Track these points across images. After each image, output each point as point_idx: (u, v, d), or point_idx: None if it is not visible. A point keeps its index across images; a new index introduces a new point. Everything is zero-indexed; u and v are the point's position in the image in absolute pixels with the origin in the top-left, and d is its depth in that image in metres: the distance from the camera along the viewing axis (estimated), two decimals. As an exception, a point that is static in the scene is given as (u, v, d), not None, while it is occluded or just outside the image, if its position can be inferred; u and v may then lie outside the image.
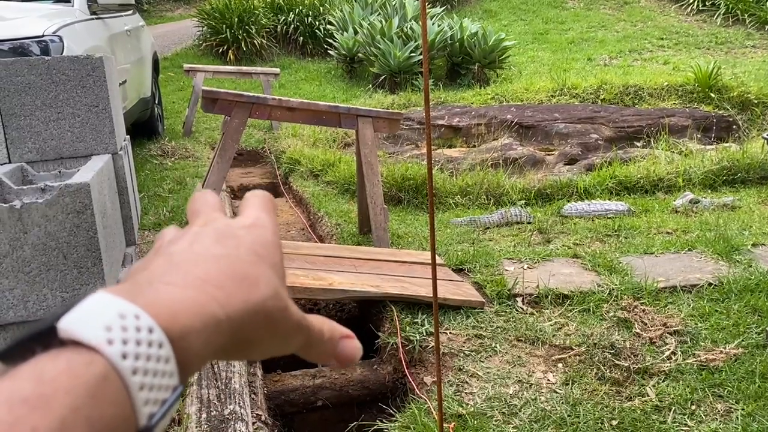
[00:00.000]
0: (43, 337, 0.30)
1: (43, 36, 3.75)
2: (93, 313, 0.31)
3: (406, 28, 9.88)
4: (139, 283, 0.35)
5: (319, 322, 0.44)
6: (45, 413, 0.27)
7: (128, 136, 2.11)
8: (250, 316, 0.36)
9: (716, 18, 12.03)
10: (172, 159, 5.95)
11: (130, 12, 6.00)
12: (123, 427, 0.30)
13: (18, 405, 0.27)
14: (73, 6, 4.53)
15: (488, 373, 2.49)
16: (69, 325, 0.30)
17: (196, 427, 1.93)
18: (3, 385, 0.27)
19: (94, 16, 4.68)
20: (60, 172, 1.68)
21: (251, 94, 3.70)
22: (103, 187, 1.54)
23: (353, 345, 0.46)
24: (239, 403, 2.06)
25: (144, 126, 6.33)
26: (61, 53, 3.75)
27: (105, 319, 0.30)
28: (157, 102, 6.83)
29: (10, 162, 1.68)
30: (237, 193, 5.73)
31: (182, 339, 0.32)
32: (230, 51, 10.96)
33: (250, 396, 2.24)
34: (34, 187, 1.46)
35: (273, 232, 0.44)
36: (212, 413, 1.99)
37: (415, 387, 2.49)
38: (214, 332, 0.34)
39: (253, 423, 2.10)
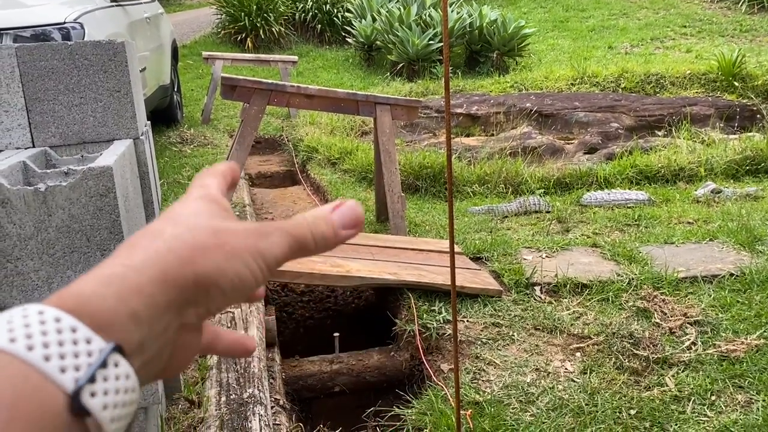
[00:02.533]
0: None
1: (64, 23, 3.78)
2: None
3: (425, 15, 9.82)
4: None
5: (295, 216, 0.42)
6: None
7: (149, 122, 2.13)
8: (164, 256, 0.36)
9: (741, 5, 11.81)
10: (191, 146, 5.98)
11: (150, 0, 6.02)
12: (46, 398, 0.30)
13: None
14: (93, -7, 4.55)
15: (505, 361, 2.49)
16: None
17: (216, 409, 1.95)
18: None
19: (114, 4, 4.71)
20: (82, 156, 1.69)
21: (270, 81, 3.71)
22: (125, 171, 1.55)
23: (349, 205, 0.43)
24: (258, 387, 2.08)
25: (163, 113, 6.36)
26: (82, 40, 3.78)
27: (5, 324, 0.32)
28: (176, 89, 6.87)
29: (33, 146, 1.70)
30: (255, 181, 5.75)
31: (83, 305, 0.33)
32: (248, 39, 10.97)
33: (268, 380, 2.26)
34: (57, 171, 1.48)
35: (196, 197, 0.42)
36: (231, 396, 2.01)
37: (432, 374, 2.50)
38: (125, 286, 0.34)
39: (272, 407, 2.12)
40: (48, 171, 1.48)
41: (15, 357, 0.30)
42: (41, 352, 0.31)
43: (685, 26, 11.37)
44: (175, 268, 0.36)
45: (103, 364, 0.32)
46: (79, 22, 3.82)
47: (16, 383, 0.29)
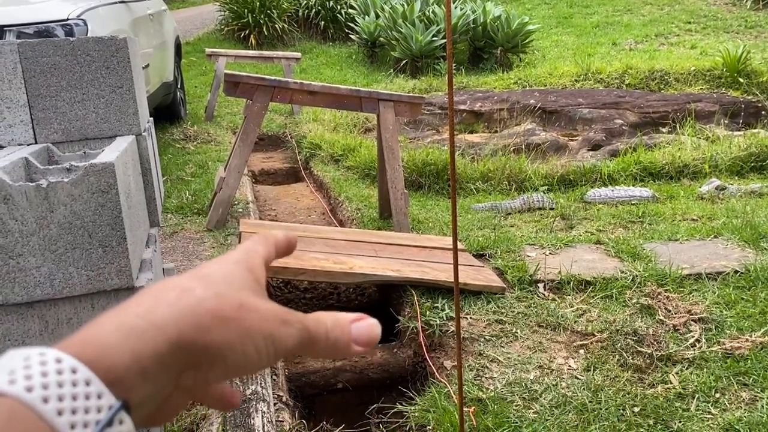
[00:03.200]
0: None
1: (67, 19, 3.78)
2: (0, 366, 0.32)
3: (428, 11, 9.79)
4: None
5: (317, 314, 0.42)
6: None
7: (151, 119, 2.12)
8: (186, 318, 0.35)
9: (746, 1, 11.76)
10: (195, 143, 5.99)
11: (153, -4, 6.02)
12: None
13: None
14: (97, -10, 4.55)
15: (509, 358, 2.48)
16: None
17: (219, 406, 1.94)
18: None
19: (117, 0, 4.70)
20: (85, 152, 1.69)
21: (273, 77, 3.70)
22: (128, 168, 1.55)
23: (369, 323, 0.44)
24: (261, 383, 2.08)
25: (166, 110, 6.36)
26: (85, 37, 3.77)
27: (9, 365, 0.31)
28: (179, 86, 6.86)
29: (36, 142, 1.70)
30: (258, 178, 5.75)
31: (102, 358, 0.33)
32: (252, 35, 10.96)
33: (271, 377, 2.25)
34: (59, 167, 1.48)
35: (237, 256, 0.43)
36: (234, 393, 2.01)
37: (435, 371, 2.49)
38: (142, 342, 0.34)
39: (275, 404, 2.12)
40: (50, 167, 1.48)
41: (28, 407, 0.30)
42: (55, 406, 0.31)
43: (689, 22, 11.32)
44: (191, 333, 0.36)
45: (109, 422, 0.32)
46: (82, 19, 3.82)
47: (4, 421, 0.30)
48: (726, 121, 6.44)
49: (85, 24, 3.81)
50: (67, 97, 1.68)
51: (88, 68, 1.68)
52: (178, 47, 6.99)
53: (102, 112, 1.71)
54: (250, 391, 2.02)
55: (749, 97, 6.94)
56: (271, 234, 0.46)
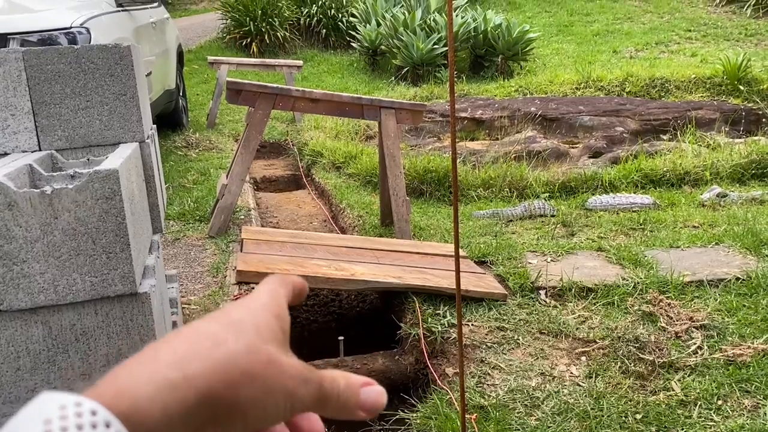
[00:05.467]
0: None
1: (71, 28, 3.80)
2: (33, 412, 0.31)
3: (429, 20, 9.83)
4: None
5: (332, 374, 0.42)
6: None
7: (154, 126, 2.13)
8: (217, 373, 0.35)
9: (746, 9, 11.79)
10: (197, 150, 6.00)
11: (156, 4, 6.05)
12: None
13: None
14: (100, -2, 4.57)
15: (511, 365, 2.48)
16: (10, 427, 0.30)
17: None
18: None
19: (120, 9, 4.73)
20: (88, 159, 1.70)
21: (275, 85, 3.71)
22: (131, 174, 1.56)
23: (377, 391, 0.44)
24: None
25: (169, 118, 6.38)
26: (89, 45, 3.79)
27: (44, 414, 0.31)
28: (181, 94, 6.89)
29: (40, 149, 1.71)
30: (260, 185, 5.76)
31: (135, 411, 0.33)
32: (254, 43, 11.01)
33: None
34: (63, 174, 1.48)
35: (266, 297, 0.43)
36: (236, 400, 2.01)
37: (436, 378, 2.49)
38: (173, 396, 0.34)
39: (276, 411, 2.12)
40: (54, 174, 1.49)
41: None
42: None
43: (690, 30, 11.36)
44: (220, 389, 0.35)
45: None
46: (85, 27, 3.84)
47: None
48: (727, 129, 6.45)
49: (88, 32, 3.83)
50: (71, 105, 1.69)
51: (92, 76, 1.69)
52: (180, 55, 7.02)
53: (105, 120, 1.72)
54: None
55: (750, 105, 6.96)
56: (289, 277, 0.46)
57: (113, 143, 1.74)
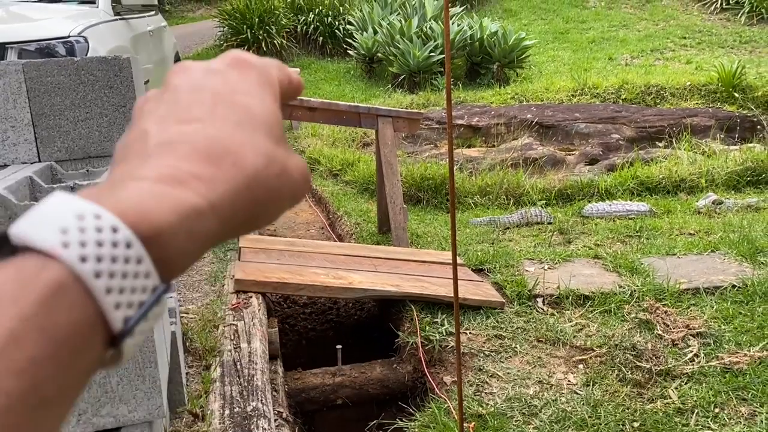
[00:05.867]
0: None
1: (68, 37, 3.81)
2: (47, 217, 0.28)
3: (426, 27, 9.86)
4: (112, 181, 0.32)
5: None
6: None
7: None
8: (241, 194, 0.33)
9: (740, 17, 11.86)
10: (194, 158, 6.00)
11: (153, 12, 6.06)
12: (89, 333, 0.28)
13: None
14: (97, 7, 4.59)
15: (508, 373, 2.49)
16: (21, 230, 0.28)
17: (219, 423, 1.95)
18: None
19: (117, 17, 4.74)
20: (88, 170, 1.71)
21: (272, 93, 3.73)
22: (131, 186, 1.56)
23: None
24: (261, 400, 2.08)
25: (166, 125, 6.38)
26: (86, 53, 3.80)
27: (60, 222, 0.28)
28: (178, 102, 6.89)
29: (39, 161, 1.71)
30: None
31: (157, 236, 0.30)
32: (251, 51, 11.01)
33: (271, 393, 2.26)
34: (63, 186, 1.49)
35: (259, 70, 0.39)
36: (235, 410, 2.01)
37: (434, 386, 2.50)
38: (199, 224, 0.31)
39: (275, 420, 2.12)
40: (54, 186, 1.50)
41: (80, 281, 0.28)
42: (105, 282, 0.28)
43: (684, 37, 11.41)
44: (240, 212, 0.34)
45: (153, 304, 0.30)
46: (83, 36, 3.85)
47: (62, 304, 0.27)
48: (722, 136, 6.48)
49: (86, 41, 3.84)
50: (70, 116, 1.70)
51: (92, 88, 1.70)
52: (177, 62, 7.03)
53: (105, 131, 1.73)
54: (251, 407, 2.03)
55: (744, 112, 6.99)
56: (286, 67, 0.43)
57: (112, 155, 1.75)
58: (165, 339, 1.78)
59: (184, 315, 2.59)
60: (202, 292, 2.91)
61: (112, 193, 0.30)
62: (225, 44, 11.43)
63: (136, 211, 0.30)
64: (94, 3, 4.63)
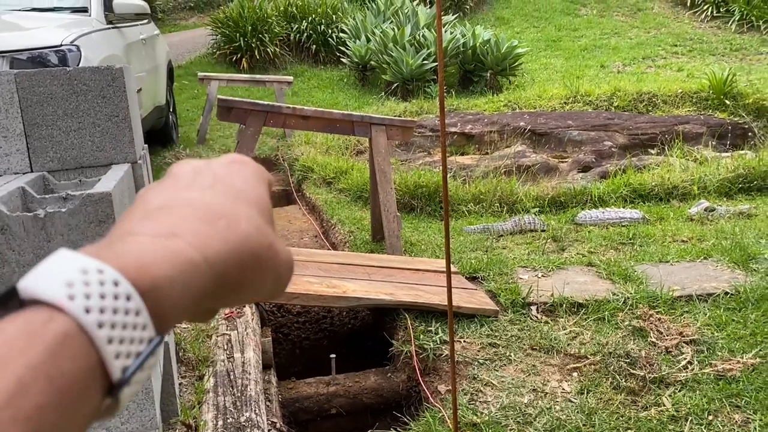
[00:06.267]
0: (4, 300, 0.29)
1: (61, 45, 3.80)
2: (53, 271, 0.30)
3: (419, 35, 9.90)
4: (111, 239, 0.34)
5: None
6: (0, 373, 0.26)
7: (146, 145, 2.14)
8: (233, 256, 0.35)
9: (730, 24, 11.96)
10: (187, 166, 5.99)
11: (146, 21, 6.06)
12: (90, 382, 0.29)
13: None
14: (90, 16, 4.59)
15: (503, 381, 2.48)
16: (28, 284, 0.29)
17: (213, 434, 1.94)
18: None
19: (110, 26, 4.74)
20: (80, 180, 1.70)
21: (266, 102, 3.73)
22: (124, 197, 1.56)
23: None
24: (255, 410, 2.07)
25: (159, 134, 6.38)
26: (79, 62, 3.80)
27: (66, 276, 0.30)
28: (171, 110, 6.89)
29: (32, 171, 1.71)
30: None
31: (154, 290, 0.32)
32: (244, 59, 11.03)
33: (265, 403, 2.25)
34: (56, 196, 1.48)
35: (254, 169, 0.43)
36: (228, 420, 2.00)
37: (429, 395, 2.49)
38: (193, 278, 0.33)
39: (269, 430, 2.11)
40: (46, 196, 1.49)
41: (84, 331, 0.29)
42: (107, 333, 0.30)
43: (676, 45, 11.50)
44: (232, 272, 0.36)
45: (149, 355, 0.32)
46: (75, 45, 3.85)
47: (68, 353, 0.28)
48: (713, 143, 6.52)
49: (79, 50, 3.84)
50: (63, 126, 1.70)
51: (84, 97, 1.70)
52: (170, 71, 7.03)
53: (98, 141, 1.72)
54: (245, 418, 2.02)
55: (736, 119, 7.04)
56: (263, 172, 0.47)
57: (105, 164, 1.75)
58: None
59: (177, 325, 2.58)
60: (196, 302, 2.89)
61: (112, 248, 0.33)
62: (218, 52, 11.44)
63: (136, 264, 0.32)
64: (87, 12, 4.63)
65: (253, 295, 0.40)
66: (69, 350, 0.28)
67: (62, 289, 0.29)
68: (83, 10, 4.66)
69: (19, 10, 4.61)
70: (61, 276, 0.30)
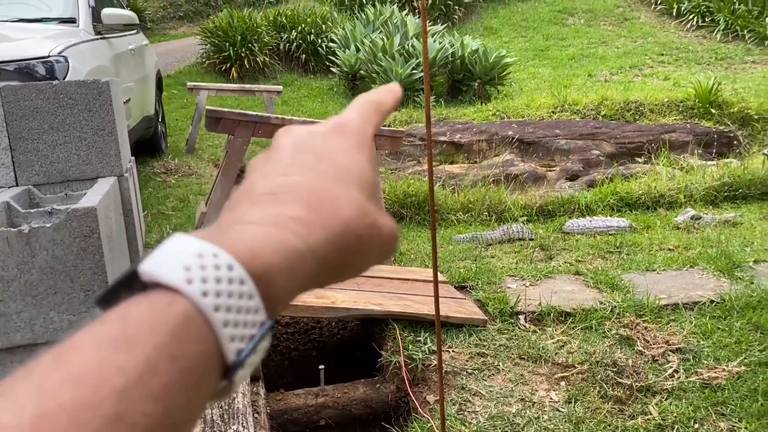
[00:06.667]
0: (128, 282, 0.31)
1: (48, 56, 3.79)
2: (172, 255, 0.31)
3: (408, 45, 9.94)
4: (220, 225, 0.36)
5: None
6: (130, 353, 0.28)
7: (133, 158, 2.14)
8: (335, 241, 0.37)
9: (716, 34, 12.09)
10: (176, 176, 5.98)
11: (134, 31, 6.06)
12: (209, 363, 0.30)
13: (106, 346, 0.28)
14: (78, 26, 4.58)
15: (491, 391, 2.49)
16: (149, 268, 0.31)
17: (200, 447, 1.93)
18: (93, 328, 0.28)
19: (98, 36, 4.73)
20: (66, 194, 1.70)
21: (255, 113, 3.74)
22: (110, 211, 1.56)
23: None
24: (242, 423, 2.07)
25: (147, 143, 6.37)
26: (66, 73, 3.79)
27: (183, 260, 0.31)
28: (160, 120, 6.88)
29: (17, 185, 1.70)
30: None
31: (265, 275, 0.33)
32: (233, 68, 11.04)
33: (253, 416, 2.24)
34: (41, 211, 1.48)
35: (358, 134, 0.43)
36: (216, 433, 1.99)
37: (418, 406, 2.49)
38: (298, 265, 0.35)
39: (257, 443, 2.11)
40: (31, 211, 1.49)
41: (202, 314, 0.30)
42: (223, 316, 0.31)
43: (662, 54, 11.60)
44: (334, 256, 0.37)
45: (261, 339, 0.33)
46: (63, 56, 3.84)
47: (189, 335, 0.29)
48: (699, 151, 6.59)
49: (66, 61, 3.83)
50: (49, 140, 1.70)
51: (71, 111, 1.70)
52: (159, 81, 7.02)
53: (84, 154, 1.72)
54: (232, 430, 2.01)
55: (721, 128, 7.11)
56: (382, 96, 0.47)
57: (91, 178, 1.75)
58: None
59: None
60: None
61: (223, 235, 0.34)
62: (207, 61, 11.44)
63: (248, 250, 0.33)
64: (75, 22, 4.63)
65: (358, 272, 0.41)
66: (189, 333, 0.30)
67: (181, 273, 0.30)
68: (71, 20, 4.66)
69: (6, 21, 4.60)
70: (178, 260, 0.31)
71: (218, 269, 0.31)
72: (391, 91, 0.48)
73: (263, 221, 0.35)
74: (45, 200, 1.67)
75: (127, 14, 5.33)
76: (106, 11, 4.88)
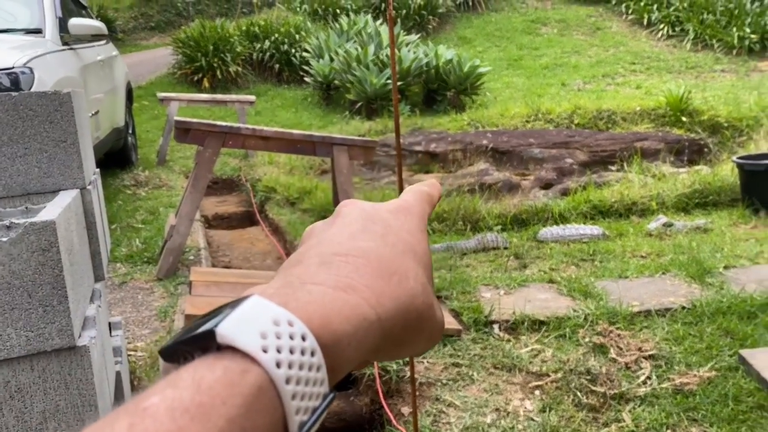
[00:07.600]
0: (202, 341, 0.30)
1: (13, 68, 3.72)
2: (248, 319, 0.30)
3: (382, 55, 9.97)
4: (290, 283, 0.35)
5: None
6: (204, 424, 0.27)
7: (98, 170, 2.10)
8: (401, 314, 0.36)
9: (685, 43, 12.32)
10: (146, 189, 5.90)
11: (104, 42, 5.98)
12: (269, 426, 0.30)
13: (180, 414, 0.27)
14: (44, 37, 4.50)
15: (465, 402, 2.48)
16: (226, 330, 0.30)
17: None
18: (166, 393, 0.28)
19: (66, 47, 4.66)
20: (27, 208, 1.65)
21: (224, 123, 3.70)
22: (71, 224, 1.52)
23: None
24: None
25: (117, 155, 6.28)
26: (32, 84, 3.72)
27: (260, 326, 0.30)
28: (130, 131, 6.79)
29: (-26, 199, 1.66)
30: (212, 223, 5.68)
31: (333, 346, 0.32)
32: (205, 79, 10.97)
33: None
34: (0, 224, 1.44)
35: (420, 218, 0.44)
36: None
37: (392, 418, 2.47)
38: (365, 335, 0.34)
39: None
40: (-12, 225, 1.44)
41: (274, 385, 0.30)
42: (292, 389, 0.30)
43: (634, 63, 11.79)
44: (397, 330, 0.36)
45: (323, 411, 0.32)
46: (29, 67, 3.77)
47: (261, 407, 0.29)
48: (671, 159, 6.68)
49: (32, 72, 3.76)
50: (7, 152, 1.65)
51: (30, 123, 1.65)
52: (129, 92, 6.94)
53: (45, 167, 1.68)
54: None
55: (692, 135, 7.22)
56: (433, 189, 0.49)
57: (53, 191, 1.70)
58: (108, 381, 1.72)
59: (132, 353, 2.51)
60: (152, 329, 2.83)
61: (295, 296, 0.33)
62: (179, 72, 11.36)
63: (320, 319, 0.32)
64: (41, 33, 4.55)
65: (406, 354, 0.40)
66: (261, 404, 0.29)
67: (257, 340, 0.30)
68: (37, 31, 4.58)
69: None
70: (255, 325, 0.30)
71: (293, 339, 0.31)
72: (435, 185, 0.50)
73: (336, 284, 0.35)
74: (4, 214, 1.63)
75: (95, 24, 5.26)
76: (74, 21, 4.81)
